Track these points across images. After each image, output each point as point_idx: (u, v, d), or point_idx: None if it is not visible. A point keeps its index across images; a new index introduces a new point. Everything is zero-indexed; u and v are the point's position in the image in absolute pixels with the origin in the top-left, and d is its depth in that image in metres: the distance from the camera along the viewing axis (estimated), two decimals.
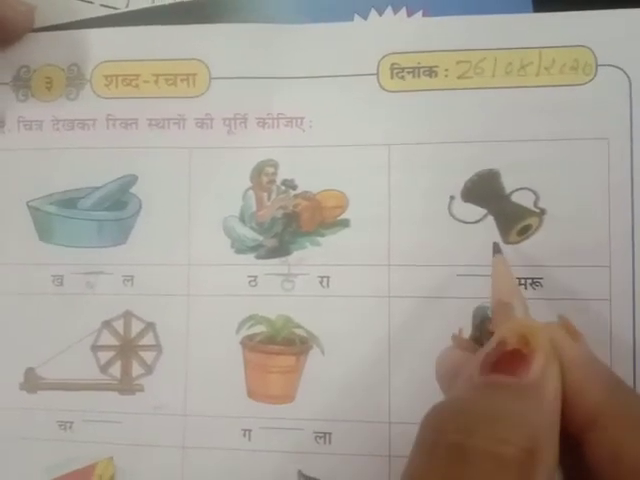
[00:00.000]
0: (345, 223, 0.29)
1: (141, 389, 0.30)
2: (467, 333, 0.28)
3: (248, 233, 0.29)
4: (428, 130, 0.28)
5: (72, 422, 0.30)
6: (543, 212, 0.28)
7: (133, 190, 0.30)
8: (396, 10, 0.29)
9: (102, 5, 0.31)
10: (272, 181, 0.29)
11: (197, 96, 0.30)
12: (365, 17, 0.29)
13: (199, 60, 0.30)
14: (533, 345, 0.19)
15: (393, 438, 0.28)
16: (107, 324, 0.30)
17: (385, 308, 0.28)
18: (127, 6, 0.31)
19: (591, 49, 0.28)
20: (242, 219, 0.30)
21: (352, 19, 0.29)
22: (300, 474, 0.28)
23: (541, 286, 0.27)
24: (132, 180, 0.30)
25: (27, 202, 0.31)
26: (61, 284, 0.30)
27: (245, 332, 0.29)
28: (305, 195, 0.29)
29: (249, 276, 0.29)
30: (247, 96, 0.30)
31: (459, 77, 0.28)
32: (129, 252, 0.30)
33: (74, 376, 0.30)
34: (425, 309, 0.28)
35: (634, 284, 0.27)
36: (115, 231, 0.30)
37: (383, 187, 0.29)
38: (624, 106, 0.27)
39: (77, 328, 0.30)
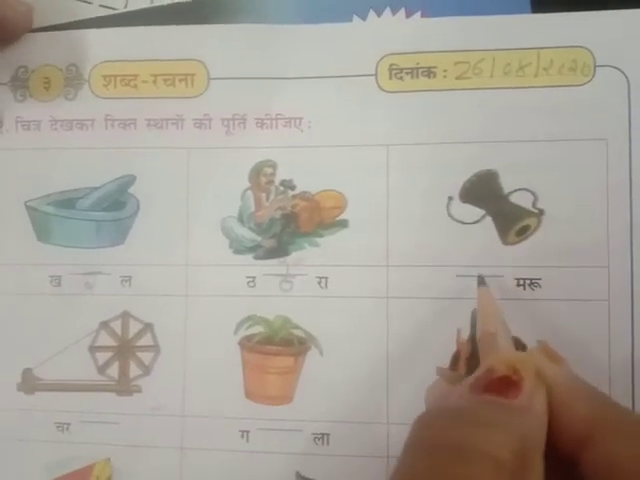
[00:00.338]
0: (344, 224, 0.29)
1: (139, 390, 0.29)
2: (465, 334, 0.28)
3: (246, 233, 0.29)
4: (427, 131, 0.28)
5: (69, 423, 0.30)
6: (541, 213, 0.28)
7: (131, 190, 0.30)
8: (395, 11, 0.29)
9: (101, 5, 0.31)
10: (271, 181, 0.29)
11: (195, 96, 0.30)
12: (364, 18, 0.29)
13: (198, 60, 0.30)
14: (521, 373, 0.20)
15: (391, 439, 0.28)
16: (105, 325, 0.30)
17: (383, 309, 0.28)
18: (126, 6, 0.31)
19: (589, 50, 0.28)
20: (240, 219, 0.29)
21: (351, 20, 0.29)
22: (298, 475, 0.28)
23: (539, 287, 0.27)
24: (130, 180, 0.30)
25: (25, 202, 0.31)
26: (59, 284, 0.30)
27: (243, 333, 0.29)
28: (304, 195, 0.29)
29: (247, 277, 0.29)
30: (246, 96, 0.30)
31: (458, 78, 0.28)
32: (127, 252, 0.30)
33: (72, 377, 0.30)
34: (424, 310, 0.28)
35: (632, 284, 0.27)
36: (113, 231, 0.30)
37: (382, 188, 0.29)
38: (622, 107, 0.27)
39: (75, 329, 0.30)
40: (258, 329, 0.29)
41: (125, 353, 0.30)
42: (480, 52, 0.28)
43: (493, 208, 0.28)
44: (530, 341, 0.27)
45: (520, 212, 0.28)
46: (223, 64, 0.30)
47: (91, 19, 0.31)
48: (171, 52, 0.30)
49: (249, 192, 0.30)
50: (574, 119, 0.28)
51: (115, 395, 0.30)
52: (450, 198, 0.28)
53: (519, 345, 0.27)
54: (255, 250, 0.29)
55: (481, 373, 0.21)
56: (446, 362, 0.28)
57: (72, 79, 0.31)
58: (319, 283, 0.29)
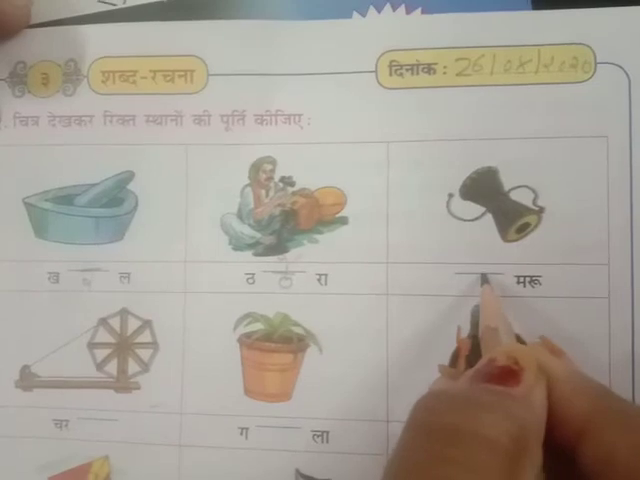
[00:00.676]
0: (343, 220, 0.29)
1: (137, 387, 0.29)
2: (465, 331, 0.28)
3: (246, 230, 0.29)
4: (427, 127, 0.28)
5: (68, 420, 0.30)
6: (542, 210, 0.28)
7: (130, 187, 0.30)
8: (395, 7, 0.29)
9: (100, 1, 0.31)
10: (270, 178, 0.29)
11: (195, 93, 0.30)
12: (364, 14, 0.29)
13: (197, 56, 0.30)
14: (522, 364, 0.20)
15: (391, 437, 0.28)
16: (103, 321, 0.30)
17: (383, 306, 0.28)
18: (125, 2, 0.31)
19: (590, 47, 0.28)
20: (240, 216, 0.29)
21: (351, 16, 0.29)
22: (297, 473, 0.28)
23: (540, 284, 0.27)
24: (129, 177, 0.30)
25: (23, 198, 0.30)
26: (57, 281, 0.30)
27: (242, 330, 0.29)
28: (303, 192, 0.29)
29: (246, 273, 0.29)
30: (245, 93, 0.29)
31: (458, 74, 0.28)
32: (126, 249, 0.30)
33: (70, 374, 0.30)
34: (423, 307, 0.28)
35: (633, 282, 0.27)
36: (112, 228, 0.30)
37: (381, 184, 0.28)
38: (623, 104, 0.27)
39: (73, 325, 0.30)
40: (257, 326, 0.29)
41: (124, 350, 0.30)
42: (480, 49, 0.28)
43: (493, 205, 0.28)
44: (530, 338, 0.27)
45: (520, 209, 0.28)
46: (222, 60, 0.30)
47: (90, 15, 0.30)
48: (170, 48, 0.30)
49: (248, 189, 0.29)
50: (575, 116, 0.28)
51: (113, 392, 0.29)
52: (450, 195, 0.28)
53: (519, 342, 0.27)
54: (254, 247, 0.29)
55: (482, 364, 0.21)
56: (446, 359, 0.28)
57: (71, 75, 0.30)
58: (319, 280, 0.29)
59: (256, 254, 0.29)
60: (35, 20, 0.31)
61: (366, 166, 0.29)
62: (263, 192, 0.29)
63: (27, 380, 0.30)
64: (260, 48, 0.29)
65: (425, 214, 0.28)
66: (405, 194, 0.28)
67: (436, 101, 0.28)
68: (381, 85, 0.29)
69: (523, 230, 0.28)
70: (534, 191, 0.28)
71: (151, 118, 0.30)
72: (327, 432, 0.28)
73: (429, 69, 0.28)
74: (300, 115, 0.29)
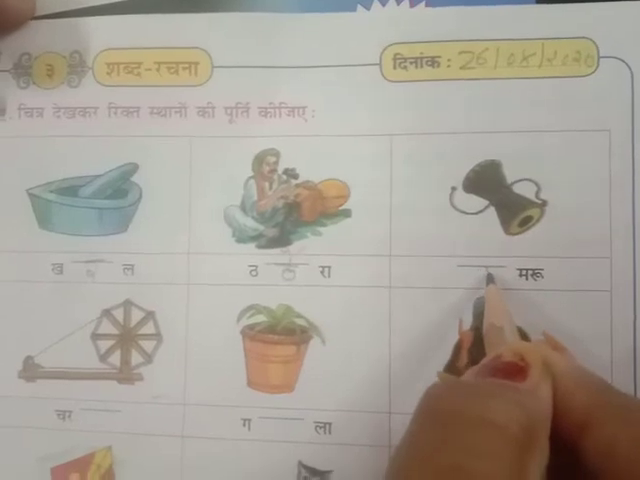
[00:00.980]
0: (346, 213, 0.29)
1: (140, 378, 0.29)
2: (467, 324, 0.28)
3: (249, 222, 0.29)
4: (430, 120, 0.28)
5: (71, 411, 0.30)
6: (544, 203, 0.28)
7: (134, 178, 0.30)
8: (399, 0, 0.29)
9: None
10: (273, 170, 0.29)
11: (199, 85, 0.30)
12: (368, 7, 0.29)
13: (201, 49, 0.30)
14: (528, 360, 0.20)
15: (393, 428, 0.28)
16: (107, 313, 0.30)
17: (386, 298, 0.28)
18: None
19: (593, 41, 0.28)
20: (243, 208, 0.29)
21: (355, 9, 0.29)
22: (300, 464, 0.28)
23: (542, 277, 0.27)
24: (133, 168, 0.30)
25: (27, 190, 0.30)
26: (61, 272, 0.30)
27: (245, 321, 0.29)
28: (307, 185, 0.29)
29: (250, 265, 0.29)
30: (249, 85, 0.29)
31: (461, 67, 0.28)
32: (129, 240, 0.30)
33: (73, 365, 0.30)
34: (426, 299, 0.28)
35: (635, 275, 0.27)
36: (115, 219, 0.30)
37: (385, 177, 0.29)
38: (626, 98, 0.27)
39: (77, 317, 0.30)
40: (260, 318, 0.29)
41: (127, 341, 0.30)
42: (484, 42, 0.28)
43: (496, 198, 0.28)
44: (532, 331, 0.27)
45: (523, 202, 0.28)
46: (227, 53, 0.30)
47: (95, 6, 0.30)
48: (175, 40, 0.30)
49: (252, 181, 0.29)
50: (577, 110, 0.28)
51: (116, 383, 0.30)
52: (453, 188, 0.28)
53: (522, 335, 0.27)
54: (258, 239, 0.29)
55: (488, 360, 0.21)
56: (448, 351, 0.28)
57: (75, 66, 0.30)
58: (321, 272, 0.29)
59: (259, 246, 0.29)
60: (40, 12, 0.31)
61: (369, 159, 0.29)
62: (266, 184, 0.29)
63: (30, 371, 0.30)
64: (264, 40, 0.29)
65: (428, 207, 0.28)
66: (408, 187, 0.28)
67: (440, 94, 0.28)
68: (385, 78, 0.29)
69: (526, 223, 0.28)
70: (537, 184, 0.28)
71: (155, 110, 0.30)
72: (330, 423, 0.28)
73: (433, 62, 0.29)
74: (304, 108, 0.29)
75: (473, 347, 0.27)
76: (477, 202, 0.28)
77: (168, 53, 0.30)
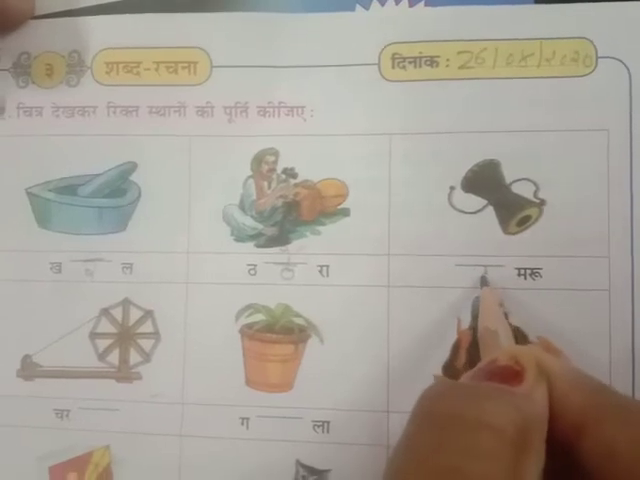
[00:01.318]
0: (345, 212, 0.29)
1: (139, 377, 0.29)
2: (466, 323, 0.28)
3: (248, 221, 0.29)
4: (429, 120, 0.28)
5: (69, 410, 0.30)
6: (543, 203, 0.28)
7: (133, 177, 0.30)
8: (398, 0, 0.29)
9: None
10: (272, 170, 0.29)
11: (198, 84, 0.30)
12: (367, 7, 0.29)
13: (200, 48, 0.30)
14: (523, 364, 0.20)
15: (391, 427, 0.28)
16: (105, 312, 0.30)
17: (384, 297, 0.28)
18: None
19: (592, 41, 0.28)
20: (242, 207, 0.29)
21: (354, 9, 0.29)
22: (298, 463, 0.28)
23: (540, 276, 0.28)
24: (132, 167, 0.30)
25: (26, 188, 0.30)
26: (59, 271, 0.30)
27: (244, 320, 0.29)
28: (305, 184, 0.29)
29: (248, 264, 0.29)
30: (248, 85, 0.30)
31: (460, 67, 0.28)
32: (128, 239, 0.30)
33: (71, 364, 0.30)
34: (424, 299, 0.28)
35: (633, 274, 0.27)
36: (114, 218, 0.30)
37: (384, 177, 0.29)
38: (624, 98, 0.28)
39: (75, 315, 0.30)
40: (259, 317, 0.29)
41: (125, 340, 0.30)
42: (483, 42, 0.28)
43: (495, 198, 0.28)
44: (530, 331, 0.27)
45: (522, 202, 0.28)
46: (226, 52, 0.30)
47: (94, 6, 0.30)
48: (174, 40, 0.30)
49: (251, 180, 0.30)
50: (576, 110, 0.28)
51: (115, 382, 0.30)
52: (452, 187, 0.28)
53: (519, 334, 0.27)
54: (256, 238, 0.29)
55: (483, 364, 0.21)
56: (446, 350, 0.28)
57: (74, 66, 0.31)
58: (320, 271, 0.29)
59: (258, 245, 0.29)
60: (39, 11, 0.31)
61: (368, 158, 0.29)
62: (265, 184, 0.29)
63: (28, 370, 0.30)
64: (263, 40, 0.29)
65: (426, 206, 0.28)
66: (407, 186, 0.28)
67: (438, 94, 0.28)
68: (384, 77, 0.29)
69: (524, 223, 0.28)
70: (535, 184, 0.28)
71: (154, 109, 0.30)
72: (328, 422, 0.28)
73: (432, 62, 0.29)
74: (303, 107, 0.29)
75: (472, 346, 0.27)
76: (475, 201, 0.28)
77: (167, 52, 0.30)
